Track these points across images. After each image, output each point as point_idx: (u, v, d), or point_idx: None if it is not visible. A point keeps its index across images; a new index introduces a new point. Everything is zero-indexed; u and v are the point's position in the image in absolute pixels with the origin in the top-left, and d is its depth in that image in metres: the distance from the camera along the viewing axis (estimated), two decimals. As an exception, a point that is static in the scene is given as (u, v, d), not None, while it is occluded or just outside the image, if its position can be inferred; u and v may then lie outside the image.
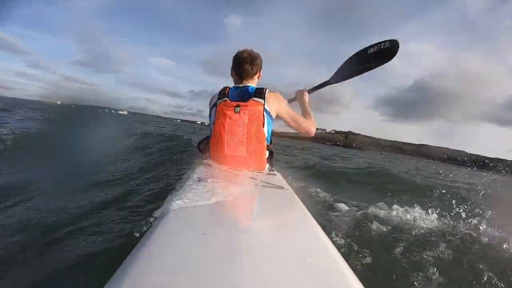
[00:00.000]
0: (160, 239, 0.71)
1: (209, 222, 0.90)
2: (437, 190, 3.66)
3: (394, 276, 1.73)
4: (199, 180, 1.31)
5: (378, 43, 2.17)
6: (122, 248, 1.49)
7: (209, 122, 1.96)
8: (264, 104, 1.79)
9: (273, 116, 1.89)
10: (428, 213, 2.81)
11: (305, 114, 2.21)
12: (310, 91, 2.37)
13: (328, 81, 2.43)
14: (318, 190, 3.47)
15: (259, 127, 1.78)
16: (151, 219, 1.06)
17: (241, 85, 1.91)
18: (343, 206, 2.89)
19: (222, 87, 1.89)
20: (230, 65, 2.02)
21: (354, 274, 0.65)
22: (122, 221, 1.96)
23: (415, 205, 2.91)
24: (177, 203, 0.99)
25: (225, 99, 1.79)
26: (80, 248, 1.57)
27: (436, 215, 2.80)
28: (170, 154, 4.87)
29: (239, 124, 1.74)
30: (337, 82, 2.41)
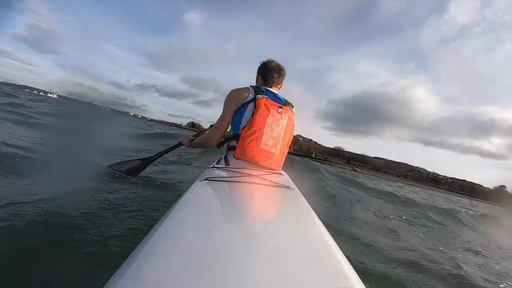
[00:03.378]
0: (164, 236, 0.71)
1: (214, 221, 0.88)
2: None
3: (393, 277, 2.13)
4: (207, 180, 1.30)
5: None
6: (127, 244, 1.67)
7: (235, 115, 1.99)
8: (294, 115, 2.03)
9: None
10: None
11: None
12: None
13: None
14: None
15: (292, 133, 2.00)
16: (157, 217, 1.02)
17: (271, 90, 2.04)
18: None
19: (251, 85, 2.04)
20: (256, 71, 2.22)
21: (357, 276, 0.66)
22: (127, 217, 2.06)
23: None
24: (183, 201, 1.00)
25: (265, 96, 1.90)
26: (84, 245, 1.62)
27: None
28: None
29: (279, 123, 1.88)
30: None
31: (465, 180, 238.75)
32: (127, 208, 2.25)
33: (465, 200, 26.34)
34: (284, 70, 2.14)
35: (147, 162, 3.16)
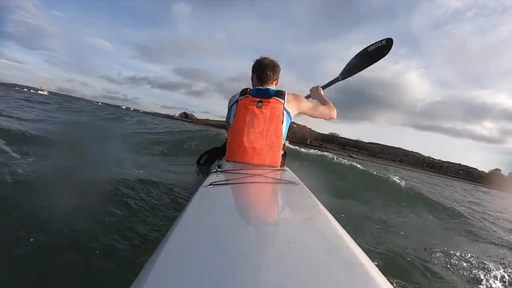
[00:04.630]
0: (177, 245, 0.70)
1: (223, 224, 0.86)
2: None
3: (409, 265, 1.97)
4: (213, 184, 1.29)
5: (376, 42, 2.54)
6: (140, 254, 1.60)
7: (227, 122, 2.05)
8: (284, 104, 1.94)
9: (292, 115, 2.03)
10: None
11: (324, 103, 2.38)
12: (324, 87, 2.63)
13: (337, 78, 2.73)
14: None
15: (279, 124, 1.90)
16: (168, 225, 1.02)
17: (262, 87, 2.05)
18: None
19: (243, 88, 2.06)
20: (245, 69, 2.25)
21: (373, 264, 0.65)
22: (139, 226, 2.03)
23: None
24: (191, 208, 0.99)
25: (247, 95, 1.95)
26: (97, 254, 1.60)
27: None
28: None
29: (260, 118, 1.85)
30: (344, 79, 2.70)
31: (460, 164, 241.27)
32: (136, 217, 2.19)
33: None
34: (278, 66, 2.11)
35: None
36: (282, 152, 1.97)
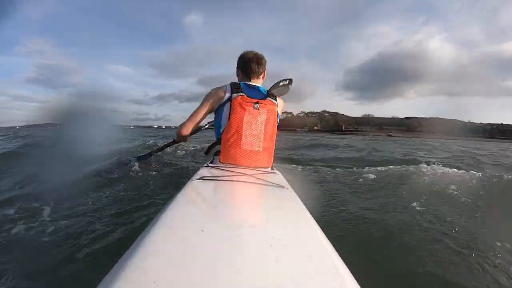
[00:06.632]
0: (159, 235, 0.71)
1: (208, 220, 0.88)
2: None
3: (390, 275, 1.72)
4: (201, 179, 1.31)
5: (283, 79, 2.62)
6: (121, 243, 1.60)
7: (215, 119, 1.98)
8: (277, 106, 1.90)
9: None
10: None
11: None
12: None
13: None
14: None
15: (274, 126, 1.87)
16: (151, 216, 0.98)
17: (251, 83, 1.96)
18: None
19: (231, 82, 1.94)
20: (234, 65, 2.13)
21: (351, 276, 0.65)
22: (121, 217, 2.01)
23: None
24: (178, 200, 0.99)
25: (241, 94, 1.81)
26: (76, 245, 1.60)
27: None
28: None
29: (257, 120, 1.79)
30: None
31: (502, 123, 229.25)
32: (121, 207, 2.22)
33: None
34: (263, 59, 2.03)
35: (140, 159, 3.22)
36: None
